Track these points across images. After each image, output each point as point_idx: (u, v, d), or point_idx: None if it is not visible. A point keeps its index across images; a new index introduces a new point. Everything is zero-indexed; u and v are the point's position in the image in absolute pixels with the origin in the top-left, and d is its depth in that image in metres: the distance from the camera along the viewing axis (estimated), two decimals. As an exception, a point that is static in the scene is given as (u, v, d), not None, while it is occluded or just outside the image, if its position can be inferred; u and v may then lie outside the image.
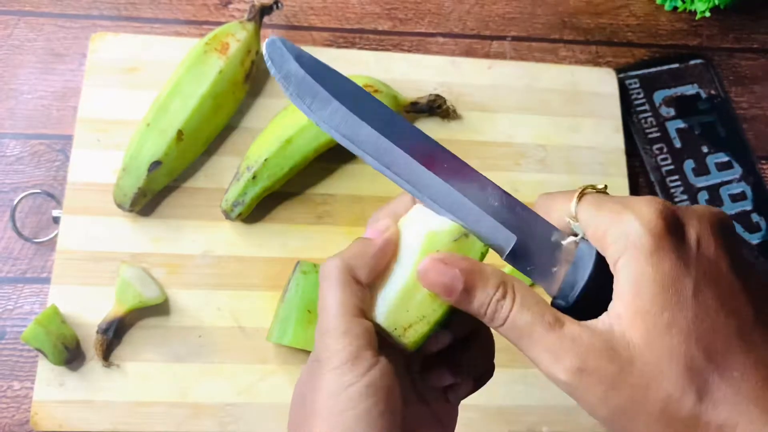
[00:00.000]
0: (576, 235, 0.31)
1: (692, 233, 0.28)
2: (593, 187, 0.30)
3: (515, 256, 0.30)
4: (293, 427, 0.32)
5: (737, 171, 0.67)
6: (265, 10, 0.61)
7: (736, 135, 0.68)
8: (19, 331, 0.54)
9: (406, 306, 0.31)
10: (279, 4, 0.61)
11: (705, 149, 0.67)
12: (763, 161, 0.68)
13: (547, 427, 0.55)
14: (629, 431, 0.27)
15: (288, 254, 0.57)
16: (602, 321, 0.28)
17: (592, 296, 0.29)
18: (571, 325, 0.28)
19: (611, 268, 0.28)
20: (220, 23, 0.62)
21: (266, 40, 0.32)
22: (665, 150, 0.67)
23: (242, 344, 0.55)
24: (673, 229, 0.27)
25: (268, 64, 0.32)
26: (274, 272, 0.57)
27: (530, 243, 0.30)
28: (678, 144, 0.67)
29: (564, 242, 0.30)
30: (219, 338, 0.55)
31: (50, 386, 0.52)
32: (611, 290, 0.28)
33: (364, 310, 0.30)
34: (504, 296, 0.29)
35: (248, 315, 0.55)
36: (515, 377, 0.55)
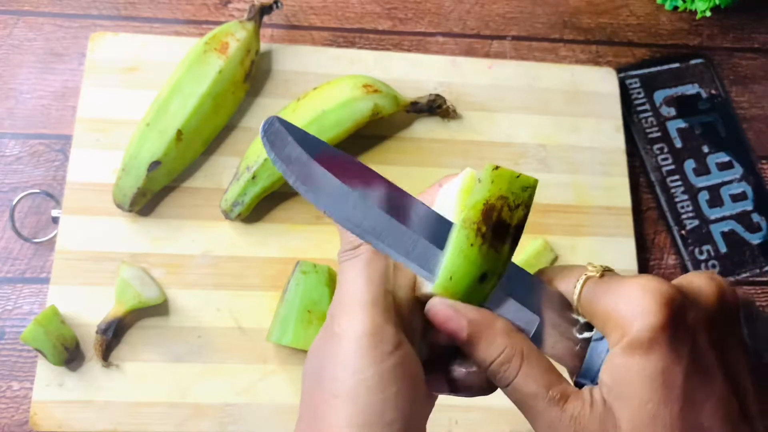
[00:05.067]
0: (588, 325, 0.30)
1: (690, 323, 0.27)
2: (592, 269, 0.29)
3: (538, 339, 0.29)
4: (310, 407, 0.28)
5: (738, 171, 0.67)
6: (264, 10, 0.61)
7: (737, 135, 0.68)
8: (18, 331, 0.54)
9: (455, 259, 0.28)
10: (279, 4, 0.61)
11: (705, 149, 0.67)
12: (764, 161, 0.68)
13: (548, 427, 0.54)
14: None
15: (288, 254, 0.57)
16: (598, 393, 0.27)
17: None
18: (573, 402, 0.27)
19: (611, 342, 0.28)
20: (219, 23, 0.62)
21: (264, 121, 0.29)
22: (666, 150, 0.67)
23: (242, 344, 0.54)
24: (671, 321, 0.26)
25: (266, 148, 0.29)
26: (273, 272, 0.56)
27: (552, 324, 0.29)
28: (678, 144, 0.67)
29: (579, 336, 0.30)
30: (219, 338, 0.54)
31: (49, 386, 0.52)
32: None
33: (389, 289, 0.28)
34: (509, 360, 0.28)
35: (248, 315, 0.55)
36: (515, 377, 0.55)
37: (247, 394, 0.53)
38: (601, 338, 0.29)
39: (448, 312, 0.28)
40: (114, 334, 0.52)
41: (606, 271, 0.29)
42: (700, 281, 0.29)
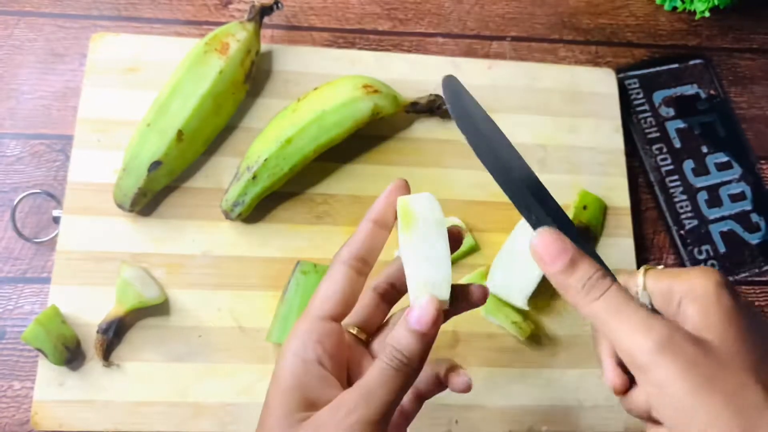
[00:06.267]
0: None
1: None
2: (651, 267, 0.36)
3: None
4: None
5: (737, 171, 0.67)
6: (265, 11, 0.61)
7: (736, 135, 0.68)
8: (19, 331, 0.54)
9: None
10: (279, 5, 0.61)
11: (704, 149, 0.67)
12: (763, 161, 0.68)
13: (547, 427, 0.55)
14: (704, 408, 0.30)
15: (288, 254, 0.57)
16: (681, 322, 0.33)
17: None
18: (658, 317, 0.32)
19: (674, 309, 0.33)
20: (220, 23, 0.62)
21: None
22: (665, 150, 0.67)
23: (242, 344, 0.55)
24: (728, 286, 0.33)
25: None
26: (274, 272, 0.57)
27: None
28: (677, 144, 0.67)
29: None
30: (219, 338, 0.55)
31: (50, 386, 0.52)
32: None
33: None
34: (604, 276, 0.33)
35: (248, 315, 0.55)
36: (515, 377, 0.55)
37: (247, 394, 0.53)
38: None
39: (557, 237, 0.33)
40: (115, 333, 0.53)
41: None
42: None
